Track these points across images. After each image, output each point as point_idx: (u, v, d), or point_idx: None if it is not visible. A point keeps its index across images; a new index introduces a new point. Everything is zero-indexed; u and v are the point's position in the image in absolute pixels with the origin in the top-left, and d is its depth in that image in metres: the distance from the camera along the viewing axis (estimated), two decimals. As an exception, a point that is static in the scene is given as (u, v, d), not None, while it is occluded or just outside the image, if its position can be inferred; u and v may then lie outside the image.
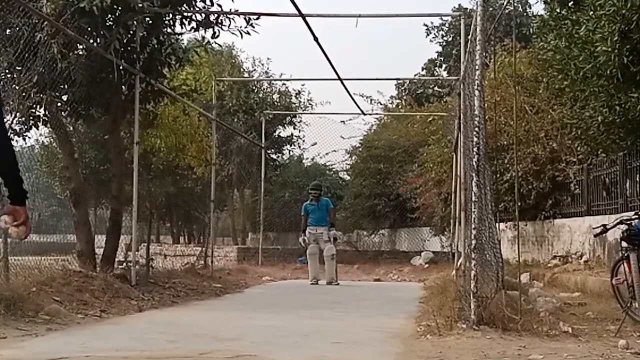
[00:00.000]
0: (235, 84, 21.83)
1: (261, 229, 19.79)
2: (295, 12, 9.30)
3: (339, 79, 13.05)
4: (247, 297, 10.47)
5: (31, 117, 9.23)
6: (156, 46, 9.74)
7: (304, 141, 24.98)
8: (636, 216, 6.76)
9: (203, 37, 10.48)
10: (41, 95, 8.58)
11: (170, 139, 12.09)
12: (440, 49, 29.91)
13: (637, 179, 10.48)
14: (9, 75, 8.48)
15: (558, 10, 9.10)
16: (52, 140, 13.50)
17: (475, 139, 6.53)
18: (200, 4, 9.69)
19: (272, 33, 21.03)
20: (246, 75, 23.65)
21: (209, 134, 13.90)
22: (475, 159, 6.42)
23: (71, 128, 11.82)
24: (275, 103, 23.22)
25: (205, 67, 14.06)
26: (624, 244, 6.77)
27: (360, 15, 10.17)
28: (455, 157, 12.84)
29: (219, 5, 9.70)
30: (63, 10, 8.20)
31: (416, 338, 5.94)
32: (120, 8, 8.73)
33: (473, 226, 6.47)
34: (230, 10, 9.80)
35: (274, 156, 24.08)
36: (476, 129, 6.53)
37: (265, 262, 17.99)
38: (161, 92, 10.48)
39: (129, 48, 9.13)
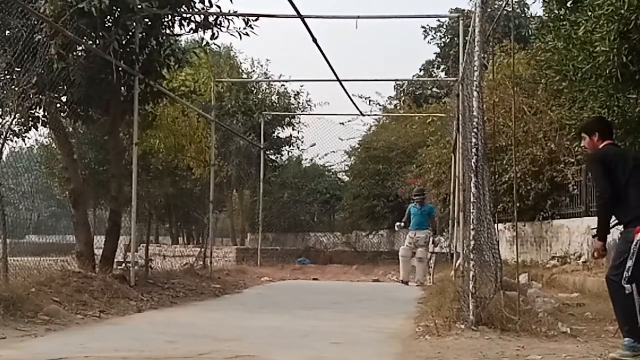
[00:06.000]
0: (234, 86, 21.83)
1: (260, 229, 19.81)
2: (294, 13, 9.32)
3: (338, 80, 13.06)
4: (246, 298, 10.47)
5: (31, 118, 9.23)
6: (155, 47, 9.75)
7: (303, 142, 25.02)
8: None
9: (202, 39, 10.52)
10: (40, 96, 8.59)
11: (169, 140, 12.09)
12: (438, 50, 29.92)
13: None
14: (8, 77, 8.48)
15: (557, 11, 9.10)
16: (51, 141, 13.47)
17: (474, 140, 6.55)
18: (199, 6, 9.71)
19: (271, 34, 21.02)
20: (245, 76, 23.65)
21: (208, 135, 13.90)
22: (474, 160, 6.44)
23: (71, 129, 11.82)
24: (275, 104, 23.22)
25: (204, 68, 14.06)
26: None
27: (359, 17, 10.18)
28: (454, 158, 12.86)
29: (218, 7, 9.73)
30: (62, 11, 8.20)
31: (415, 339, 5.96)
32: (119, 9, 8.74)
33: (472, 227, 6.49)
34: (230, 11, 9.82)
35: (273, 157, 24.09)
36: (475, 130, 6.55)
37: (265, 263, 18.00)
38: (160, 94, 10.49)
39: (128, 49, 9.14)
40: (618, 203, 5.17)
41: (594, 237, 5.37)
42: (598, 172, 5.37)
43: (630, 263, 4.96)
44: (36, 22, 8.03)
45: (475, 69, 6.71)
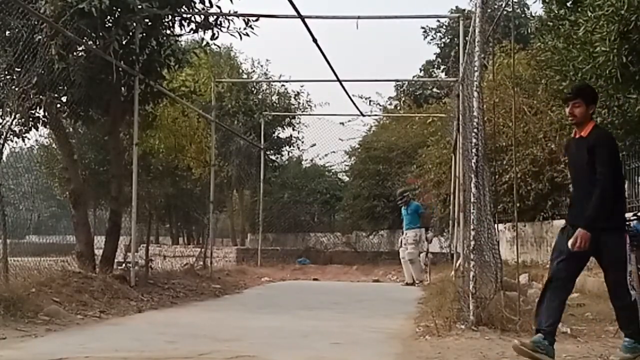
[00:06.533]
0: (234, 86, 21.83)
1: (260, 229, 19.82)
2: (294, 13, 9.32)
3: (338, 80, 13.06)
4: (246, 298, 10.47)
5: (31, 119, 9.23)
6: (155, 47, 9.75)
7: (303, 142, 25.01)
8: (635, 217, 6.75)
9: (202, 39, 10.52)
10: (40, 96, 8.59)
11: (169, 140, 12.09)
12: (438, 50, 29.94)
13: (636, 180, 10.48)
14: (8, 77, 8.48)
15: (556, 10, 9.11)
16: (51, 141, 13.50)
17: (474, 140, 6.55)
18: (199, 6, 9.71)
19: (271, 34, 21.02)
20: (245, 76, 23.65)
21: (208, 135, 13.91)
22: (474, 160, 6.44)
23: (71, 129, 11.82)
24: (275, 104, 23.22)
25: (204, 68, 14.08)
26: (623, 245, 6.75)
27: (359, 17, 10.17)
28: (454, 158, 12.86)
29: (218, 7, 9.73)
30: (62, 11, 8.21)
31: (415, 339, 5.96)
32: (119, 9, 8.74)
33: (472, 227, 6.49)
34: (230, 11, 9.83)
35: (273, 157, 24.08)
36: (475, 130, 6.55)
37: (265, 263, 18.01)
38: (160, 94, 10.49)
39: (128, 49, 9.14)
40: None
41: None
42: (613, 156, 4.87)
43: (630, 267, 4.83)
44: (36, 22, 8.03)
45: (475, 69, 6.71)
